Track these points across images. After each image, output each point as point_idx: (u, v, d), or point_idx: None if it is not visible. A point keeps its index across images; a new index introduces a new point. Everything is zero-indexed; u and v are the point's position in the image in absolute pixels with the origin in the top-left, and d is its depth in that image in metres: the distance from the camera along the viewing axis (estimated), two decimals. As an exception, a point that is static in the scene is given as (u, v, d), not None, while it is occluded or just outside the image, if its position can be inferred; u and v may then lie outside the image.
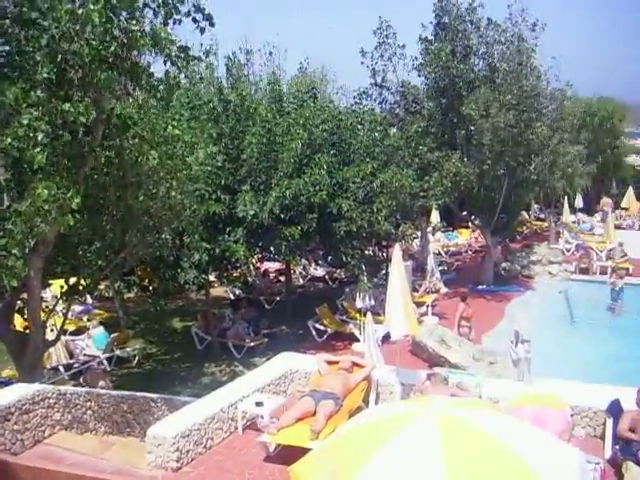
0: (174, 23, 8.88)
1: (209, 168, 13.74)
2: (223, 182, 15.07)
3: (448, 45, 21.05)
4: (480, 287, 22.42)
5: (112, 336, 16.92)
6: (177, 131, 10.68)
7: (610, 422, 9.76)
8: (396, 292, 10.05)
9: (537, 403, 9.77)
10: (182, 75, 11.16)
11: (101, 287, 18.53)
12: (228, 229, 15.31)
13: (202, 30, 9.06)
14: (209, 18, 9.03)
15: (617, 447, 9.20)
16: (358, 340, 16.49)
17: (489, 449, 4.19)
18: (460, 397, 9.06)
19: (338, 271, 23.14)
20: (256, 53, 27.11)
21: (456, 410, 4.64)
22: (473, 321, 17.21)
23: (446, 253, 28.76)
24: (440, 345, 15.78)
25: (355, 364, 10.85)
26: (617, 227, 34.25)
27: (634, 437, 8.89)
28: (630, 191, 38.55)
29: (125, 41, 8.43)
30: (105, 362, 16.32)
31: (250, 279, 21.93)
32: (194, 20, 8.95)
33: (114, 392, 11.68)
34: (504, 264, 25.45)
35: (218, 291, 21.45)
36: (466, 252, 29.67)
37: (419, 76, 22.03)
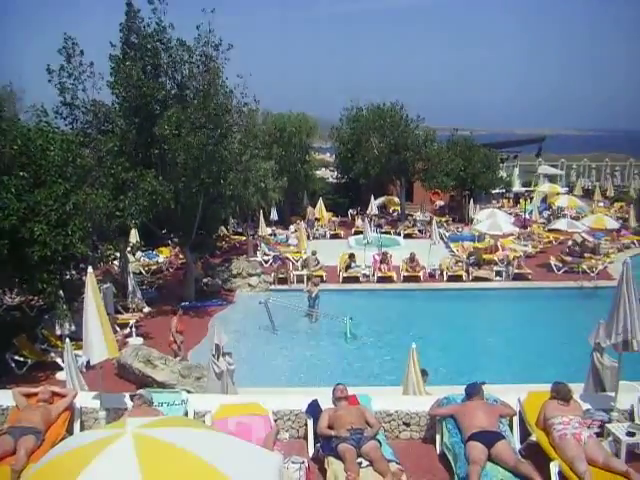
0: None
1: None
2: None
3: (138, 64, 20.92)
4: (183, 304, 22.53)
5: None
6: None
7: (310, 422, 10.35)
8: (92, 316, 9.84)
9: (240, 413, 10.10)
10: None
11: None
12: None
13: None
14: None
15: (319, 445, 9.79)
16: (61, 369, 15.84)
17: (184, 464, 4.27)
18: (160, 416, 9.09)
19: (36, 298, 22.00)
20: None
21: (151, 429, 4.66)
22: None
23: (147, 272, 28.52)
24: (146, 365, 15.64)
25: (55, 394, 10.47)
26: (310, 237, 36.34)
27: (332, 433, 9.52)
28: (321, 202, 40.97)
29: None
30: None
31: None
32: None
33: None
34: (205, 279, 25.82)
35: None
36: (167, 270, 29.62)
37: (112, 94, 21.61)
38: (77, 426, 10.47)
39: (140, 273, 27.63)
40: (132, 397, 10.12)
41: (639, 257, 30.34)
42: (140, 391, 10.15)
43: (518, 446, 9.92)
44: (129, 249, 22.82)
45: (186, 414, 10.41)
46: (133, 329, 19.73)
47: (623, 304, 9.86)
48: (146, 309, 22.19)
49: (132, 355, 16.01)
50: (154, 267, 29.28)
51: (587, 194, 52.79)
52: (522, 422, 10.33)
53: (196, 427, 5.61)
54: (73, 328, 16.46)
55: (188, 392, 11.93)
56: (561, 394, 9.82)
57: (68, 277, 17.80)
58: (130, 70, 20.63)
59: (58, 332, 16.85)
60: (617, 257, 29.86)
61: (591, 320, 11.72)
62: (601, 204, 47.44)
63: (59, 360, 16.43)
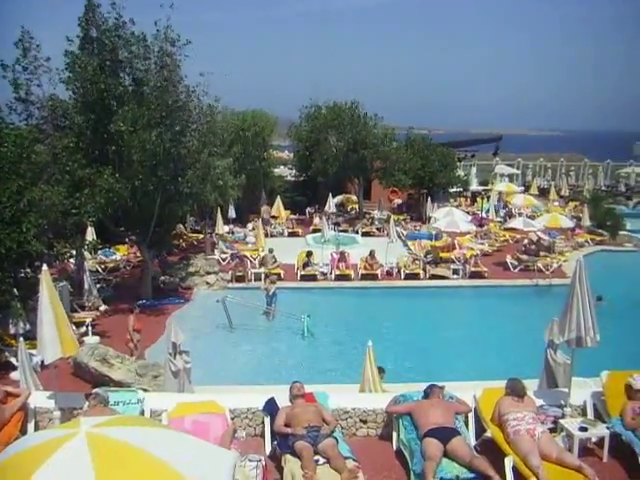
0: None
1: None
2: None
3: (95, 59, 20.68)
4: (140, 302, 22.35)
5: None
6: None
7: (267, 420, 10.38)
8: (46, 315, 9.74)
9: (197, 411, 10.08)
10: None
11: None
12: None
13: None
14: None
15: (276, 443, 9.83)
16: (15, 368, 15.60)
17: (138, 463, 4.26)
18: (114, 415, 9.02)
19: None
20: None
21: (105, 429, 4.64)
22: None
23: (104, 270, 28.23)
24: (102, 364, 15.49)
25: (9, 393, 10.33)
26: (268, 235, 36.29)
27: (289, 431, 9.57)
28: (278, 200, 40.90)
29: None
30: None
31: None
32: None
33: None
34: (162, 277, 25.64)
35: None
36: (124, 268, 29.34)
37: (67, 90, 21.32)
38: (31, 426, 10.35)
39: (97, 271, 27.34)
40: (87, 396, 10.03)
41: (593, 256, 31.02)
42: (96, 390, 10.06)
43: (473, 442, 10.06)
44: (87, 247, 22.58)
45: (142, 413, 10.35)
46: (89, 328, 19.52)
47: (576, 301, 10.07)
48: (102, 307, 21.95)
49: (88, 354, 15.86)
50: (111, 265, 29.00)
51: (543, 193, 53.69)
52: (477, 418, 10.49)
53: (151, 426, 5.60)
54: (27, 327, 16.26)
55: (145, 391, 11.87)
56: (515, 390, 9.98)
57: (23, 275, 17.56)
58: (86, 65, 20.38)
59: (12, 331, 16.62)
60: (571, 255, 30.36)
61: (546, 317, 11.91)
62: (556, 203, 48.18)
63: (13, 359, 16.20)
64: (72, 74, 20.73)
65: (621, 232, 37.27)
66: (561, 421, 10.29)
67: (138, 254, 28.06)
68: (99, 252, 28.34)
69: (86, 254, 24.01)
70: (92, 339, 18.73)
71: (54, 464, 4.19)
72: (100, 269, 28.07)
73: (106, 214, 20.96)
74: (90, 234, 25.68)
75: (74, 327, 18.66)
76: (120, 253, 30.52)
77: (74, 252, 21.75)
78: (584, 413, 10.82)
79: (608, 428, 9.97)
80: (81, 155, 20.54)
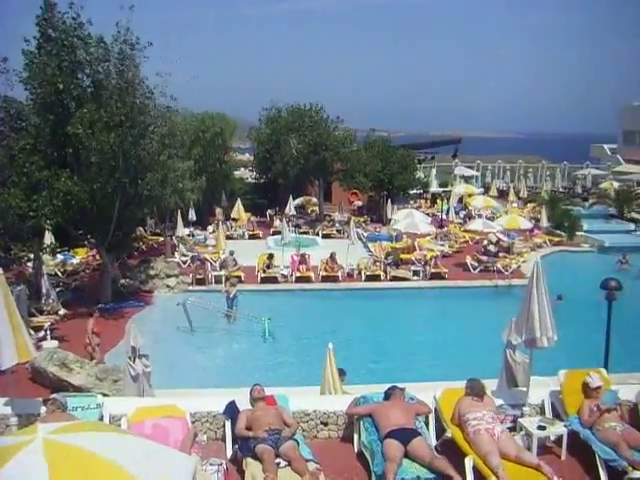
0: None
1: None
2: None
3: (54, 59, 20.40)
4: (100, 305, 22.11)
5: None
6: None
7: (228, 424, 10.34)
8: (2, 320, 9.60)
9: (157, 415, 10.00)
10: None
11: None
12: None
13: None
14: None
15: (237, 446, 9.80)
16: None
17: (96, 470, 4.22)
18: (72, 421, 8.91)
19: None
20: None
21: (62, 435, 4.59)
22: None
23: (63, 273, 27.87)
24: (61, 369, 15.27)
25: (-35, 400, 10.16)
26: (229, 237, 36.15)
27: (250, 434, 9.54)
28: (239, 202, 40.72)
29: None
30: None
31: None
32: None
33: None
34: (122, 280, 25.38)
35: None
36: (84, 271, 28.99)
37: (25, 90, 21.02)
38: (-13, 434, 10.20)
39: (56, 275, 27.00)
40: (45, 402, 9.90)
41: (551, 256, 31.46)
42: (54, 396, 9.93)
43: (434, 442, 10.13)
44: (46, 250, 22.28)
45: (102, 418, 10.26)
46: (48, 332, 19.23)
47: (533, 302, 10.17)
48: (61, 311, 21.59)
49: (46, 359, 15.61)
50: (70, 268, 28.65)
51: (502, 195, 54.30)
52: (438, 419, 10.56)
53: (110, 431, 5.55)
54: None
55: (104, 395, 11.75)
56: (475, 390, 10.08)
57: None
58: (44, 64, 20.11)
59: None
60: (530, 256, 30.65)
61: (505, 317, 12.03)
62: (515, 205, 48.72)
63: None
64: (30, 73, 20.45)
65: (578, 233, 37.85)
66: (520, 420, 10.42)
67: (97, 257, 27.76)
68: (58, 255, 27.99)
69: (45, 257, 23.68)
70: (51, 343, 18.45)
71: (9, 471, 4.14)
72: (59, 272, 27.72)
73: (64, 217, 20.69)
74: (48, 237, 25.32)
75: (32, 332, 18.44)
76: (79, 256, 30.17)
77: (32, 255, 21.48)
78: (542, 412, 10.97)
79: (566, 426, 10.12)
80: (39, 157, 20.24)
